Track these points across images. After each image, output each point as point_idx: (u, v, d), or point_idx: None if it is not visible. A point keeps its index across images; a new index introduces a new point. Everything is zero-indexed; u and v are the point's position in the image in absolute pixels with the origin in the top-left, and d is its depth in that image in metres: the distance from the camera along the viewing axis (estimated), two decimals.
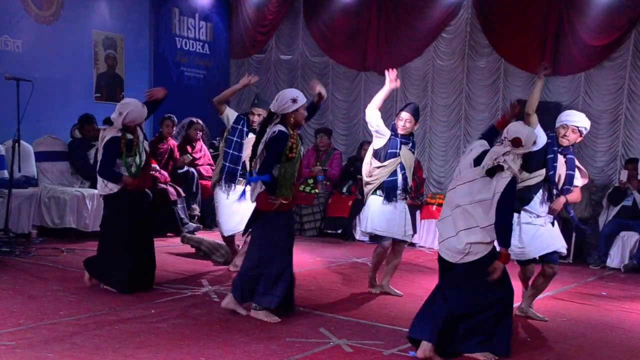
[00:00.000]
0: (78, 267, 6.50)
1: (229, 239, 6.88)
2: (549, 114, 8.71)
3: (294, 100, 5.03)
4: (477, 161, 4.58)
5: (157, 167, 8.64)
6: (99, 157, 5.70)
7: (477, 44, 9.87)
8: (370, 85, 10.66)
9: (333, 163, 9.76)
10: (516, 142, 4.45)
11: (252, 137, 6.26)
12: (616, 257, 8.23)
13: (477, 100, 9.92)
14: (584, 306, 6.25)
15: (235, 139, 6.45)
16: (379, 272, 6.30)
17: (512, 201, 4.46)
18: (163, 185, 8.57)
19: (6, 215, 7.18)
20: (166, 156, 8.88)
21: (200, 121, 9.28)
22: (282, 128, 5.02)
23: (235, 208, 6.45)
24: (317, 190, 9.59)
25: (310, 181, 9.65)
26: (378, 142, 5.95)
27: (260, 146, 5.07)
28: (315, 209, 9.53)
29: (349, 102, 10.89)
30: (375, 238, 6.12)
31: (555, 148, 5.40)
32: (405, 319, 5.34)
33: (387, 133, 5.92)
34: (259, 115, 6.35)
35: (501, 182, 4.39)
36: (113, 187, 5.65)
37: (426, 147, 10.35)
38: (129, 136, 5.66)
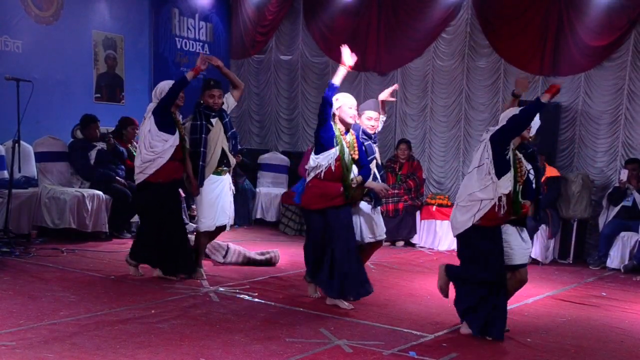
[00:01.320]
0: (78, 267, 6.51)
1: (206, 235, 6.47)
2: (548, 115, 8.73)
3: (336, 99, 5.50)
4: None
5: None
6: (146, 128, 5.99)
7: (477, 45, 9.87)
8: (370, 86, 10.66)
9: None
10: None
11: (215, 122, 6.21)
12: (616, 257, 8.23)
13: (477, 100, 9.92)
14: (583, 306, 6.24)
15: (201, 136, 6.15)
16: None
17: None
18: None
19: (6, 216, 7.18)
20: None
21: None
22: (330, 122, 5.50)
23: (214, 201, 6.30)
24: None
25: None
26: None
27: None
28: None
29: None
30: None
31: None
32: (405, 319, 5.35)
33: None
34: (218, 96, 6.21)
35: (482, 146, 4.81)
36: (148, 170, 5.96)
37: (426, 148, 10.35)
38: None
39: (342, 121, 5.53)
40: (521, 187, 4.91)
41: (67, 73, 9.13)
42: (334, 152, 5.44)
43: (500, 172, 4.70)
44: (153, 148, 5.94)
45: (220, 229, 6.49)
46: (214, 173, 6.26)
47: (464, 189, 4.92)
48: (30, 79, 7.21)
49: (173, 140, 5.97)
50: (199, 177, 6.21)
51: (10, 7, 8.45)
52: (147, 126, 5.98)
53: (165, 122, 5.95)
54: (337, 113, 5.52)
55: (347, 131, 5.59)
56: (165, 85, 6.05)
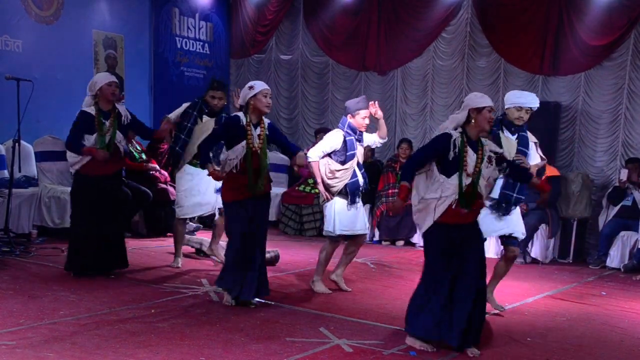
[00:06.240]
0: None
1: (181, 222, 6.82)
2: (549, 114, 8.74)
3: (251, 87, 5.36)
4: None
5: (157, 167, 8.65)
6: None
7: (477, 44, 9.87)
8: (370, 85, 10.67)
9: None
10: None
11: (206, 120, 6.43)
12: (616, 257, 8.23)
13: None
14: (583, 306, 6.24)
15: (188, 124, 6.44)
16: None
17: (427, 147, 4.70)
18: (163, 185, 8.57)
19: (6, 215, 7.18)
20: (166, 156, 8.86)
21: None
22: (238, 113, 5.38)
23: (190, 191, 6.60)
24: (317, 190, 9.53)
25: (311, 181, 9.63)
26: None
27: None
28: (315, 209, 9.52)
29: None
30: (336, 237, 6.11)
31: (495, 128, 5.46)
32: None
33: (339, 142, 5.90)
34: (219, 98, 6.47)
35: None
36: (76, 163, 5.96)
37: None
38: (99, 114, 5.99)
39: (257, 110, 5.35)
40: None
41: (67, 72, 9.13)
42: (242, 145, 5.34)
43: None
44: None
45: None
46: (189, 164, 6.53)
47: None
48: (31, 79, 7.20)
49: (93, 140, 5.95)
50: (172, 160, 6.60)
51: (11, 7, 8.45)
52: None
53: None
54: (252, 102, 5.32)
55: (257, 124, 5.42)
56: (98, 77, 6.02)
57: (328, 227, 6.04)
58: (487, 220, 5.36)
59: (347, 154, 5.89)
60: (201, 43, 11.20)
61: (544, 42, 9.23)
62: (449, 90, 10.10)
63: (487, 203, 5.37)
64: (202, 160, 5.60)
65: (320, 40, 10.99)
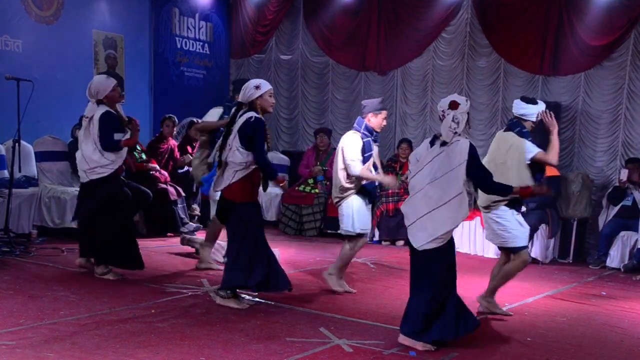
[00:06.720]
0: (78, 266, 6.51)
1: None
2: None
3: (257, 87, 5.30)
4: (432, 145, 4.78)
5: (157, 167, 8.66)
6: (95, 133, 5.95)
7: (477, 44, 9.87)
8: (370, 85, 10.67)
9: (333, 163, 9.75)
10: (453, 105, 4.69)
11: None
12: (616, 257, 8.23)
13: (477, 100, 9.91)
14: (583, 306, 6.25)
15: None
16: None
17: (480, 160, 4.69)
18: (163, 185, 8.57)
19: (6, 215, 7.18)
20: (166, 156, 8.89)
21: (200, 121, 9.28)
22: (255, 114, 5.26)
23: None
24: (317, 190, 9.59)
25: (310, 181, 9.65)
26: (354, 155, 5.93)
27: (232, 135, 5.29)
28: (315, 209, 9.53)
29: (349, 102, 10.90)
30: (346, 236, 6.12)
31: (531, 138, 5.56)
32: None
33: (360, 143, 5.88)
34: None
35: (458, 151, 4.56)
36: (103, 171, 5.95)
37: None
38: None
39: (263, 109, 5.35)
40: None
41: (67, 72, 9.14)
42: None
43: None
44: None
45: None
46: None
47: (443, 193, 4.60)
48: (31, 79, 7.20)
49: (124, 137, 6.06)
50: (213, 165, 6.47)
51: (11, 7, 8.46)
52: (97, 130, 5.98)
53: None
54: (258, 102, 5.30)
55: None
56: (99, 85, 6.01)
57: (347, 226, 6.02)
58: (520, 230, 5.50)
59: (365, 155, 5.87)
60: (201, 43, 11.20)
61: (544, 42, 9.23)
62: (449, 90, 10.06)
63: (523, 211, 5.65)
64: (271, 175, 5.38)
65: (320, 40, 10.99)
